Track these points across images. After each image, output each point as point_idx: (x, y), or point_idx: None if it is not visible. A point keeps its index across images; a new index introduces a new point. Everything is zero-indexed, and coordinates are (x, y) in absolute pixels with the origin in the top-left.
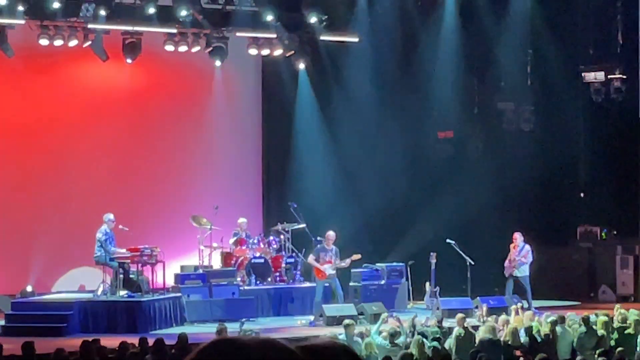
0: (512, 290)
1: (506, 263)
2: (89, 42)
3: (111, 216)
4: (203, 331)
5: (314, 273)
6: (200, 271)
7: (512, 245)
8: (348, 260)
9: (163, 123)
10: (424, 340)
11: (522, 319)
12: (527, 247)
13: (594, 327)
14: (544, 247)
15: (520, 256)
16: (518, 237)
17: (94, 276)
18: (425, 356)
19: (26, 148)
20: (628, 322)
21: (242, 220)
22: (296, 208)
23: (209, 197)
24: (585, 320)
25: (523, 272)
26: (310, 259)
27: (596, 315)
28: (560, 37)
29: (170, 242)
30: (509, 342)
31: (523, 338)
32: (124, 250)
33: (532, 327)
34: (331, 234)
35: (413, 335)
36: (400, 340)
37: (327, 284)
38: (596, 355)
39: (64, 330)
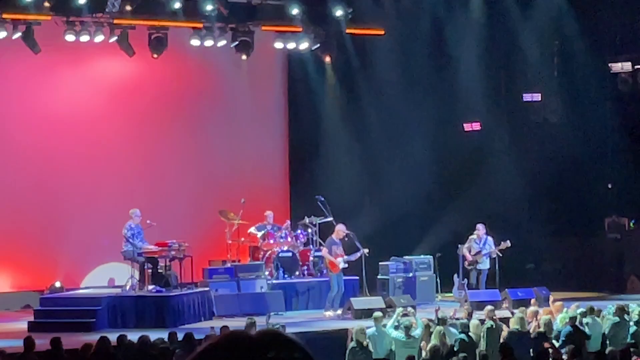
0: (475, 281)
1: (467, 254)
2: (115, 38)
3: (137, 211)
4: (231, 325)
5: (327, 266)
6: (229, 265)
7: (473, 236)
8: (358, 254)
9: (190, 118)
10: (446, 330)
11: (554, 310)
12: (490, 239)
13: (627, 317)
14: (571, 238)
15: (484, 248)
16: (481, 228)
17: (123, 271)
18: (447, 347)
19: (53, 144)
20: None
21: (268, 213)
22: (323, 201)
23: (236, 191)
24: (621, 310)
25: (485, 265)
26: (324, 252)
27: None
28: (587, 27)
29: (198, 237)
30: (545, 333)
31: (557, 329)
32: (152, 245)
33: (576, 317)
34: (341, 227)
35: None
36: (417, 333)
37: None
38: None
39: (93, 325)
